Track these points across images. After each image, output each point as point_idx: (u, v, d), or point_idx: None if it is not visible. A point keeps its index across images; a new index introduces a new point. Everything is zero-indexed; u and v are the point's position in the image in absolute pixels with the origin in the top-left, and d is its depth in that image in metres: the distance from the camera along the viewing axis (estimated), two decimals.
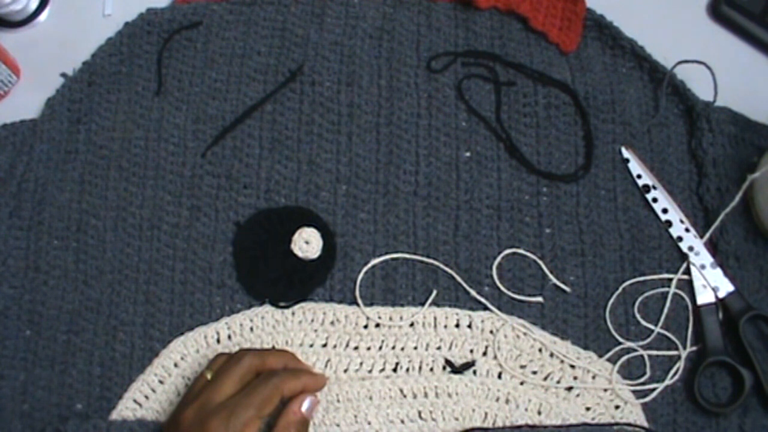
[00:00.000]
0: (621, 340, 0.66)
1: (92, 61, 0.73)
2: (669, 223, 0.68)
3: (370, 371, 0.65)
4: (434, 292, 0.67)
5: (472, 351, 0.66)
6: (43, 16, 0.77)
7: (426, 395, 0.64)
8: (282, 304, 0.67)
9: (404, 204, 0.69)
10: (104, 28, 0.74)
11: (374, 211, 0.69)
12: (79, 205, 0.70)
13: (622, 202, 0.69)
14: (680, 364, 0.65)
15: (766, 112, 0.70)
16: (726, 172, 0.68)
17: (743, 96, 0.70)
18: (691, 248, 0.67)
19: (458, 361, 0.65)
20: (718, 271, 0.67)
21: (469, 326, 0.66)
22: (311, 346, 0.66)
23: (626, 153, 0.70)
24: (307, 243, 0.68)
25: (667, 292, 0.67)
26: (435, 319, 0.66)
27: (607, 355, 0.66)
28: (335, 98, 0.72)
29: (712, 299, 0.66)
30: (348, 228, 0.69)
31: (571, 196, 0.69)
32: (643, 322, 0.66)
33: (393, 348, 0.66)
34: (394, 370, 0.65)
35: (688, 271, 0.67)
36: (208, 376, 0.59)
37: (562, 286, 0.67)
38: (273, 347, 0.66)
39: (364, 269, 0.68)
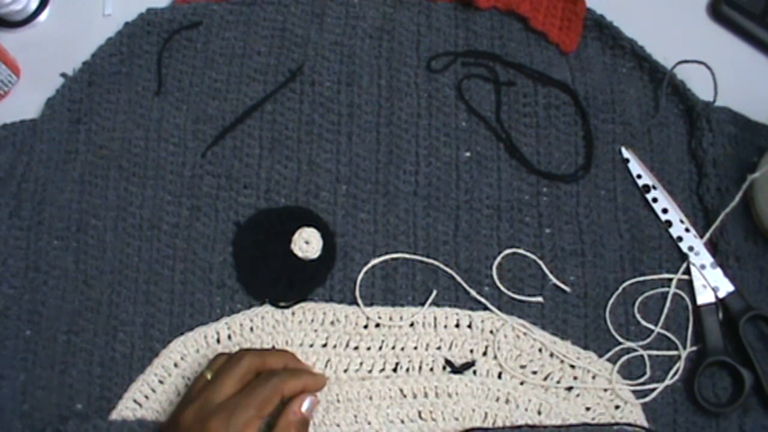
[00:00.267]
0: (621, 340, 0.66)
1: (92, 61, 0.73)
2: (669, 223, 0.68)
3: (370, 371, 0.65)
4: (434, 292, 0.67)
5: (472, 351, 0.66)
6: (43, 16, 0.77)
7: (426, 395, 0.64)
8: (282, 304, 0.67)
9: (404, 204, 0.69)
10: (104, 28, 0.74)
11: (374, 211, 0.69)
12: (79, 205, 0.70)
13: (622, 202, 0.69)
14: (680, 364, 0.65)
15: (766, 112, 0.70)
16: (726, 172, 0.68)
17: (743, 96, 0.70)
18: (691, 248, 0.67)
19: (458, 361, 0.65)
20: (718, 271, 0.67)
21: (469, 326, 0.66)
22: (311, 346, 0.66)
23: (626, 153, 0.70)
24: (307, 243, 0.68)
25: (667, 292, 0.67)
26: (435, 319, 0.66)
27: (607, 355, 0.66)
28: (335, 98, 0.72)
29: (712, 299, 0.66)
30: (348, 228, 0.69)
31: (571, 196, 0.69)
32: (643, 322, 0.66)
33: (393, 348, 0.66)
34: (394, 370, 0.65)
35: (688, 271, 0.67)
36: (208, 376, 0.59)
37: (562, 286, 0.67)
38: (273, 347, 0.66)
39: (364, 269, 0.68)
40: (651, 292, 0.67)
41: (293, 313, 0.67)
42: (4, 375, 0.66)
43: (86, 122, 0.72)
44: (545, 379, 0.65)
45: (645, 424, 0.64)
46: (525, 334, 0.66)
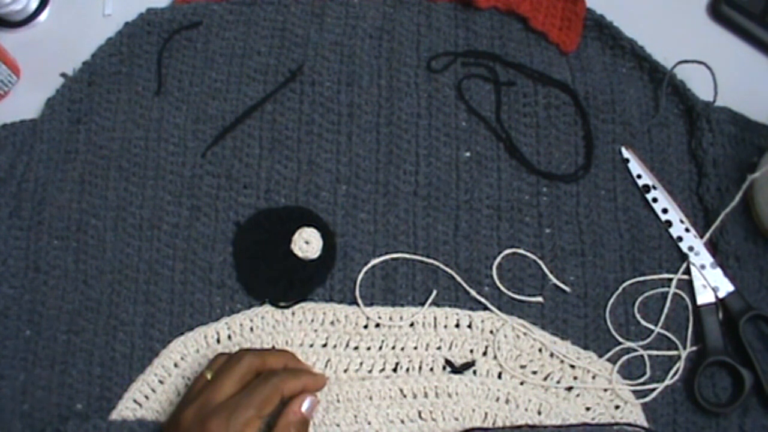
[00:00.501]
0: (621, 340, 0.66)
1: (92, 61, 0.73)
2: (669, 223, 0.68)
3: (370, 371, 0.65)
4: (434, 292, 0.67)
5: (472, 351, 0.66)
6: (43, 16, 0.77)
7: (426, 395, 0.64)
8: (282, 304, 0.67)
9: (404, 204, 0.69)
10: (104, 28, 0.74)
11: (374, 211, 0.69)
12: (79, 205, 0.70)
13: (622, 202, 0.69)
14: (680, 364, 0.65)
15: (766, 112, 0.70)
16: (726, 172, 0.68)
17: (743, 96, 0.70)
18: (691, 248, 0.67)
19: (458, 361, 0.65)
20: (718, 271, 0.67)
21: (469, 326, 0.66)
22: (311, 346, 0.66)
23: (626, 153, 0.70)
24: (307, 243, 0.68)
25: (667, 292, 0.67)
26: (435, 319, 0.66)
27: (607, 355, 0.66)
28: (335, 98, 0.72)
29: (712, 299, 0.66)
30: (348, 228, 0.69)
31: (571, 196, 0.69)
32: (643, 322, 0.66)
33: (393, 348, 0.66)
34: (394, 370, 0.65)
35: (688, 271, 0.67)
36: (208, 376, 0.59)
37: (562, 286, 0.67)
38: (273, 347, 0.66)
39: (364, 269, 0.68)
40: (651, 292, 0.67)
41: (293, 313, 0.67)
42: (4, 375, 0.67)
43: (86, 122, 0.72)
44: (545, 379, 0.65)
45: (645, 424, 0.64)
46: (525, 334, 0.66)
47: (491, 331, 0.66)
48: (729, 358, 0.64)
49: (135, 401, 0.66)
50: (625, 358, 0.65)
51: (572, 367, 0.65)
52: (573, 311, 0.67)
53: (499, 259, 0.68)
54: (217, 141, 0.71)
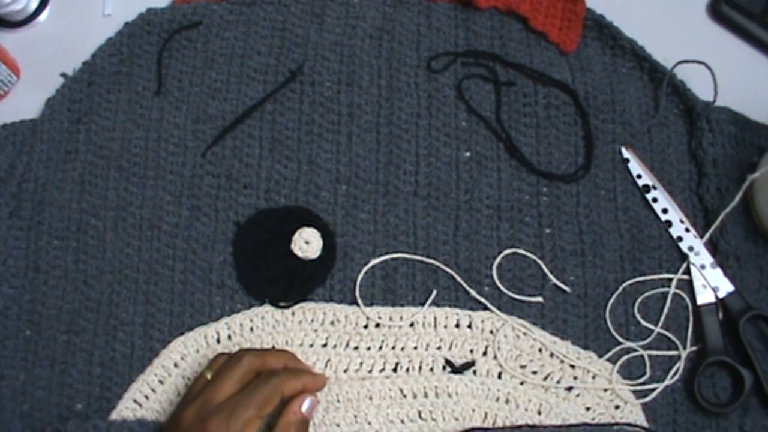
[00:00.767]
0: (621, 340, 0.66)
1: (92, 61, 0.73)
2: (669, 223, 0.68)
3: (370, 371, 0.65)
4: (434, 292, 0.67)
5: (472, 351, 0.66)
6: (43, 16, 0.77)
7: (426, 395, 0.64)
8: (282, 304, 0.67)
9: (404, 204, 0.69)
10: (104, 28, 0.74)
11: (374, 211, 0.69)
12: (79, 205, 0.70)
13: (622, 202, 0.69)
14: (680, 364, 0.65)
15: (766, 112, 0.70)
16: (726, 172, 0.68)
17: (743, 96, 0.70)
18: (691, 248, 0.67)
19: (458, 361, 0.65)
20: (718, 271, 0.67)
21: (469, 326, 0.66)
22: (311, 346, 0.66)
23: (626, 153, 0.70)
24: (307, 243, 0.68)
25: (667, 292, 0.67)
26: (435, 319, 0.66)
27: (607, 355, 0.66)
28: (335, 98, 0.72)
29: (712, 299, 0.66)
30: (348, 228, 0.69)
31: (571, 196, 0.69)
32: (643, 322, 0.66)
33: (393, 348, 0.66)
34: (394, 370, 0.65)
35: (688, 271, 0.67)
36: (208, 376, 0.59)
37: (562, 286, 0.67)
38: (273, 347, 0.66)
39: (364, 269, 0.68)
40: (651, 292, 0.67)
41: (293, 313, 0.67)
42: (4, 375, 0.67)
43: (86, 122, 0.72)
44: (545, 379, 0.65)
45: (645, 424, 0.64)
46: (525, 334, 0.66)
47: (491, 331, 0.66)
48: (729, 358, 0.64)
49: (135, 401, 0.66)
50: (625, 358, 0.65)
51: (572, 367, 0.65)
52: (573, 311, 0.67)
53: (499, 259, 0.68)
54: (217, 141, 0.71)
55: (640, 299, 0.67)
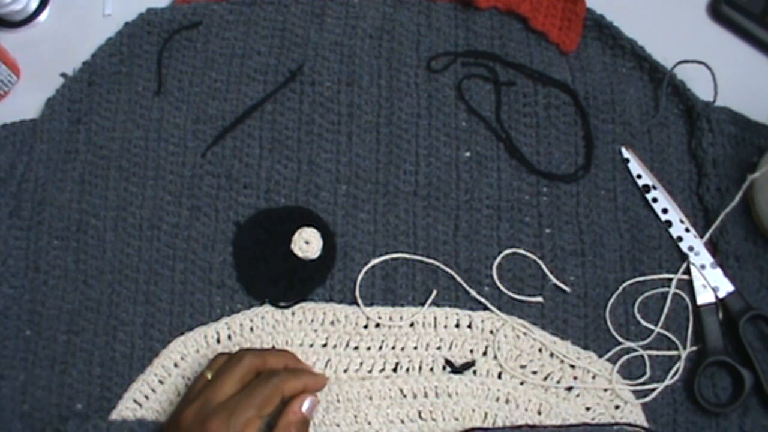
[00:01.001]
0: (621, 340, 0.66)
1: (92, 61, 0.73)
2: (669, 223, 0.68)
3: (370, 371, 0.65)
4: (434, 292, 0.67)
5: (472, 351, 0.66)
6: (43, 16, 0.77)
7: (426, 395, 0.64)
8: (282, 304, 0.67)
9: (404, 204, 0.69)
10: (104, 28, 0.74)
11: (374, 211, 0.69)
12: (79, 205, 0.70)
13: (622, 202, 0.69)
14: (680, 364, 0.65)
15: (766, 112, 0.70)
16: (726, 172, 0.68)
17: (743, 96, 0.70)
18: (691, 248, 0.67)
19: (458, 361, 0.65)
20: (718, 271, 0.67)
21: (469, 326, 0.66)
22: (311, 346, 0.66)
23: (626, 153, 0.70)
24: (307, 243, 0.68)
25: (667, 292, 0.67)
26: (435, 319, 0.66)
27: (607, 355, 0.66)
28: (335, 98, 0.72)
29: (712, 299, 0.66)
30: (348, 228, 0.69)
31: (571, 196, 0.69)
32: (643, 322, 0.66)
33: (393, 348, 0.66)
34: (394, 370, 0.65)
35: (688, 271, 0.67)
36: (209, 376, 0.59)
37: (562, 286, 0.67)
38: (273, 347, 0.66)
39: (364, 269, 0.68)
40: (651, 292, 0.67)
41: (293, 313, 0.67)
42: (4, 375, 0.67)
43: (86, 122, 0.72)
44: (545, 379, 0.65)
45: (645, 424, 0.64)
46: (525, 334, 0.66)
47: (491, 331, 0.66)
48: (729, 358, 0.64)
49: (135, 401, 0.66)
50: (625, 358, 0.65)
51: (572, 367, 0.65)
52: (573, 311, 0.67)
53: (499, 259, 0.68)
54: (217, 141, 0.71)
55: (640, 299, 0.67)
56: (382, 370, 0.65)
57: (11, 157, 0.71)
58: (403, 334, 0.66)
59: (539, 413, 0.64)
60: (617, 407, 0.65)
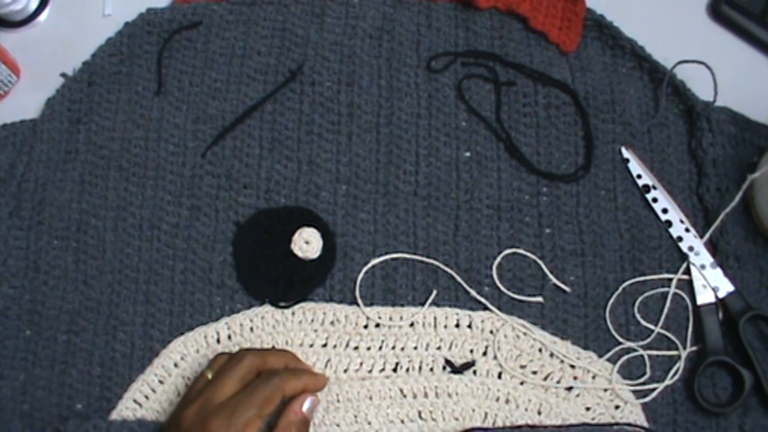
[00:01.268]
0: (621, 340, 0.66)
1: (92, 61, 0.73)
2: (669, 223, 0.68)
3: (370, 371, 0.65)
4: (434, 292, 0.67)
5: (472, 351, 0.66)
6: (43, 16, 0.77)
7: (426, 395, 0.64)
8: (282, 304, 0.67)
9: (404, 204, 0.69)
10: (104, 28, 0.74)
11: (374, 211, 0.69)
12: (79, 205, 0.70)
13: (622, 202, 0.69)
14: (680, 364, 0.65)
15: (766, 112, 0.70)
16: (726, 172, 0.68)
17: (743, 96, 0.70)
18: (691, 248, 0.67)
19: (458, 361, 0.65)
20: (718, 271, 0.67)
21: (469, 326, 0.66)
22: (311, 346, 0.66)
23: (626, 153, 0.70)
24: (307, 243, 0.68)
25: (667, 292, 0.67)
26: (435, 319, 0.66)
27: (607, 355, 0.66)
28: (335, 98, 0.72)
29: (712, 299, 0.66)
30: (348, 228, 0.69)
31: (571, 196, 0.69)
32: (643, 322, 0.66)
33: (393, 348, 0.66)
34: (394, 370, 0.65)
35: (688, 271, 0.67)
36: (209, 376, 0.59)
37: (562, 286, 0.67)
38: (273, 347, 0.66)
39: (364, 269, 0.68)
40: (651, 292, 0.67)
41: (293, 313, 0.67)
42: (4, 375, 0.67)
43: (86, 122, 0.72)
44: (545, 379, 0.65)
45: (645, 424, 0.64)
46: (525, 334, 0.66)
47: (491, 331, 0.66)
48: (729, 358, 0.64)
49: (135, 401, 0.66)
50: (625, 358, 0.65)
51: (572, 367, 0.65)
52: (573, 311, 0.67)
53: (499, 259, 0.68)
54: (217, 141, 0.71)
55: (640, 299, 0.67)
56: (382, 370, 0.65)
57: (11, 157, 0.71)
58: (403, 334, 0.66)
59: (539, 413, 0.64)
60: (617, 407, 0.65)
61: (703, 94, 0.70)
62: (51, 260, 0.69)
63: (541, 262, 0.67)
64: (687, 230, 0.68)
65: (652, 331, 0.66)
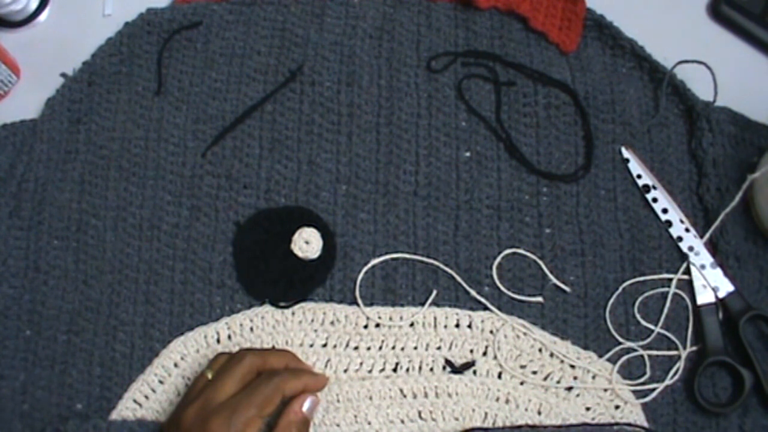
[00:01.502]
0: (621, 340, 0.66)
1: (92, 61, 0.73)
2: (669, 223, 0.68)
3: (370, 371, 0.65)
4: (434, 292, 0.67)
5: (472, 351, 0.66)
6: (43, 16, 0.77)
7: (426, 395, 0.64)
8: (282, 304, 0.67)
9: (404, 204, 0.69)
10: (104, 28, 0.74)
11: (374, 211, 0.69)
12: (79, 205, 0.70)
13: (622, 202, 0.69)
14: (680, 364, 0.65)
15: (766, 112, 0.70)
16: (726, 172, 0.68)
17: (743, 96, 0.70)
18: (691, 248, 0.67)
19: (458, 361, 0.65)
20: (718, 271, 0.67)
21: (469, 326, 0.66)
22: (311, 346, 0.66)
23: (626, 153, 0.70)
24: (307, 243, 0.68)
25: (667, 292, 0.67)
26: (435, 319, 0.66)
27: (607, 355, 0.66)
28: (335, 98, 0.72)
29: (712, 299, 0.66)
30: (348, 228, 0.69)
31: (571, 196, 0.69)
32: (643, 322, 0.66)
33: (393, 348, 0.66)
34: (394, 370, 0.65)
35: (688, 271, 0.67)
36: (209, 376, 0.59)
37: (562, 286, 0.67)
38: (273, 347, 0.66)
39: (364, 269, 0.68)
40: (651, 292, 0.67)
41: (293, 313, 0.67)
42: (4, 375, 0.67)
43: (86, 122, 0.72)
44: (545, 379, 0.65)
45: (645, 424, 0.64)
46: (525, 334, 0.66)
47: (491, 331, 0.66)
48: (729, 358, 0.64)
49: (135, 401, 0.66)
50: (625, 358, 0.65)
51: (572, 367, 0.65)
52: (573, 311, 0.67)
53: (499, 259, 0.68)
54: (217, 141, 0.71)
55: (640, 299, 0.67)
56: (382, 370, 0.65)
57: (11, 157, 0.71)
58: (403, 334, 0.66)
59: (539, 413, 0.64)
60: (617, 407, 0.65)
61: (703, 94, 0.70)
62: (51, 260, 0.69)
63: (541, 262, 0.67)
64: (687, 230, 0.68)
65: (652, 331, 0.66)
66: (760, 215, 0.66)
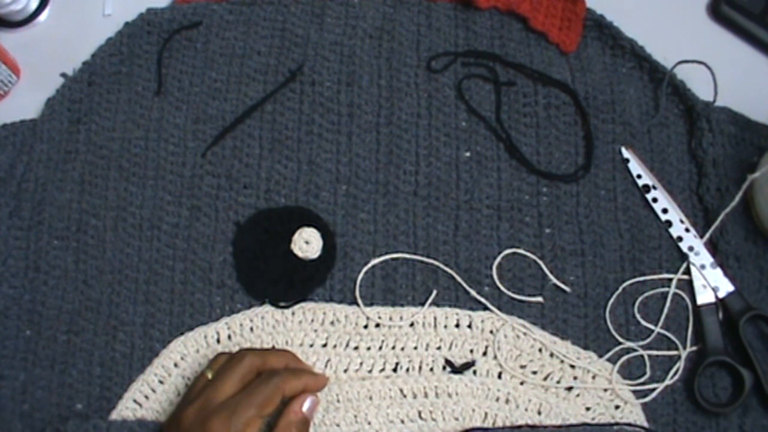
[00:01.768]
0: (621, 340, 0.66)
1: (92, 61, 0.73)
2: (669, 223, 0.68)
3: (370, 371, 0.65)
4: (434, 292, 0.67)
5: (472, 351, 0.66)
6: (43, 16, 0.77)
7: (426, 395, 0.64)
8: (282, 304, 0.67)
9: (404, 204, 0.69)
10: (104, 28, 0.74)
11: (374, 211, 0.69)
12: (79, 205, 0.70)
13: (622, 202, 0.69)
14: (680, 364, 0.65)
15: (766, 112, 0.70)
16: (726, 172, 0.68)
17: (743, 96, 0.70)
18: (691, 248, 0.67)
19: (458, 361, 0.65)
20: (718, 271, 0.67)
21: (469, 326, 0.66)
22: (311, 346, 0.66)
23: (626, 153, 0.70)
24: (307, 243, 0.68)
25: (667, 292, 0.67)
26: (435, 319, 0.66)
27: (607, 355, 0.66)
28: (335, 98, 0.72)
29: (712, 299, 0.66)
30: (348, 228, 0.69)
31: (571, 196, 0.69)
32: (643, 322, 0.66)
33: (393, 348, 0.66)
34: (394, 370, 0.65)
35: (688, 271, 0.67)
36: (209, 376, 0.59)
37: (562, 286, 0.67)
38: (273, 347, 0.66)
39: (364, 269, 0.68)
40: (651, 292, 0.67)
41: (293, 313, 0.67)
42: (4, 375, 0.66)
43: (86, 122, 0.72)
44: (545, 379, 0.65)
45: (645, 424, 0.64)
46: (525, 334, 0.66)
47: (491, 331, 0.66)
48: (729, 358, 0.64)
49: (135, 401, 0.66)
50: (625, 358, 0.65)
51: (572, 367, 0.65)
52: (573, 311, 0.67)
53: (499, 259, 0.68)
54: (217, 141, 0.71)
55: (640, 299, 0.67)
56: (382, 370, 0.65)
57: (11, 157, 0.71)
58: (403, 334, 0.66)
59: (539, 413, 0.64)
60: (617, 407, 0.65)
61: (703, 94, 0.70)
62: (51, 260, 0.69)
63: (541, 262, 0.67)
64: (687, 230, 0.68)
65: (652, 331, 0.66)
66: (760, 215, 0.66)
